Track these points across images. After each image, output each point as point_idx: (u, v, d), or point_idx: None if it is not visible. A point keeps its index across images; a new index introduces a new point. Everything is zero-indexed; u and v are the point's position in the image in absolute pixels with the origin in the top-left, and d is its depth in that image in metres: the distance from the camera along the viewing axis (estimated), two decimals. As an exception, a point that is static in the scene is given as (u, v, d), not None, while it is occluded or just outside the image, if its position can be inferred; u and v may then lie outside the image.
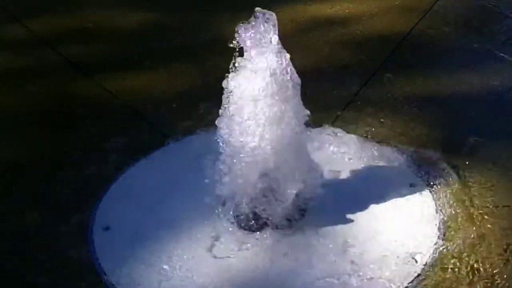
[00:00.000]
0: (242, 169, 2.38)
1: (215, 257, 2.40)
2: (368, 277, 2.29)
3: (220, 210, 2.54)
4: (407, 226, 2.49)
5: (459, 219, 2.51)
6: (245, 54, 2.26)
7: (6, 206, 2.70)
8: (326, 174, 2.63)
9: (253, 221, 2.47)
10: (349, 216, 2.51)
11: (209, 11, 4.09)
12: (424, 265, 2.33)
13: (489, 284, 2.25)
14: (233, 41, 2.23)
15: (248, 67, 2.27)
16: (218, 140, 2.40)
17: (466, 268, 2.31)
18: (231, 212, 2.51)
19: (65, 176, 2.82)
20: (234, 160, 2.39)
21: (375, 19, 3.95)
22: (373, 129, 2.99)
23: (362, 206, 2.55)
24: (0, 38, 3.95)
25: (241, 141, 2.35)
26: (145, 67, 3.59)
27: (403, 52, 3.59)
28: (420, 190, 2.63)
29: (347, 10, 4.06)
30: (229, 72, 2.31)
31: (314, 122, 2.88)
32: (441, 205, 2.57)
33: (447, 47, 3.67)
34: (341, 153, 2.84)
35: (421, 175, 2.71)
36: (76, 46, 3.83)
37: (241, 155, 2.36)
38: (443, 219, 2.50)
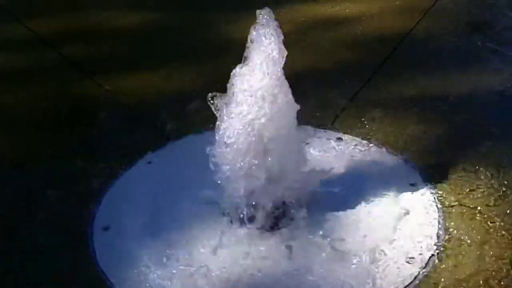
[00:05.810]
0: (245, 167, 2.39)
1: (217, 257, 2.40)
2: (367, 277, 2.29)
3: (222, 209, 2.54)
4: (406, 226, 2.48)
5: (460, 219, 2.50)
6: None
7: (5, 206, 2.70)
8: (326, 174, 2.63)
9: (256, 221, 2.47)
10: (348, 216, 2.51)
11: (209, 11, 4.10)
12: (423, 265, 2.32)
13: (489, 285, 2.26)
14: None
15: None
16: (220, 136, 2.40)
17: (466, 269, 2.31)
18: (233, 212, 2.51)
19: (65, 176, 2.82)
20: (238, 158, 2.39)
21: (375, 19, 3.95)
22: (373, 128, 2.99)
23: (362, 206, 2.55)
24: (0, 38, 3.95)
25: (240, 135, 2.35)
26: (145, 67, 3.59)
27: (403, 52, 3.59)
28: (420, 190, 2.63)
29: (347, 10, 4.07)
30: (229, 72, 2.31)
31: (313, 122, 2.89)
32: (441, 205, 2.57)
33: (448, 47, 3.67)
34: (341, 152, 2.84)
35: (421, 175, 2.71)
36: (76, 46, 3.84)
37: (241, 150, 2.37)
38: (443, 219, 2.50)
